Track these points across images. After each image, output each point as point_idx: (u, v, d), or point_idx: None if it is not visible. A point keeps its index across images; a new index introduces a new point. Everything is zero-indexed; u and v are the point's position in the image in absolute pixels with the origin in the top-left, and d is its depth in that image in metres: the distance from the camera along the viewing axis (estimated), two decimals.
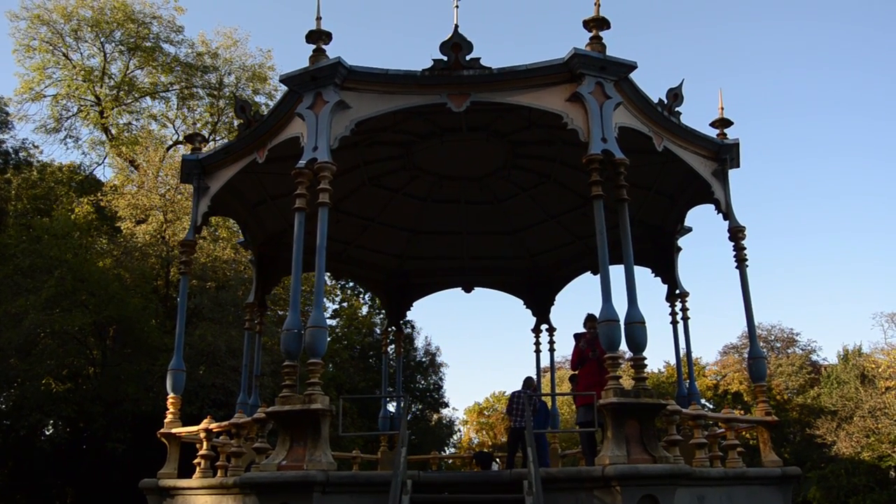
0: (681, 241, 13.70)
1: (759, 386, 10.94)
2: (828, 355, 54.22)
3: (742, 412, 32.13)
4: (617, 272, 8.96)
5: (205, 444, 10.70)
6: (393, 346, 16.98)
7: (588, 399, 10.48)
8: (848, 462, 39.19)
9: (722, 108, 11.74)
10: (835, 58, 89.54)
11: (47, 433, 24.79)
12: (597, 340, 10.47)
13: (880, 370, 39.65)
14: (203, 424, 10.68)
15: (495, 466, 14.79)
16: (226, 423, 10.44)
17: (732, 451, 10.23)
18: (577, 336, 11.67)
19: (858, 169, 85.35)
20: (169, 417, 11.01)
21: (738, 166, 11.49)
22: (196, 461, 10.72)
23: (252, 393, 12.79)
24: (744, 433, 12.97)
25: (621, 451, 8.06)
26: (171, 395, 11.04)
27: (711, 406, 44.62)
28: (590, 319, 11.35)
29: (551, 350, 16.29)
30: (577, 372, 11.70)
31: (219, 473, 10.34)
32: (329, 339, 27.41)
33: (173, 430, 10.91)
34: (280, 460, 8.19)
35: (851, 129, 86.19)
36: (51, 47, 31.61)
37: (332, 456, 8.34)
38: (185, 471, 11.13)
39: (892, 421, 36.88)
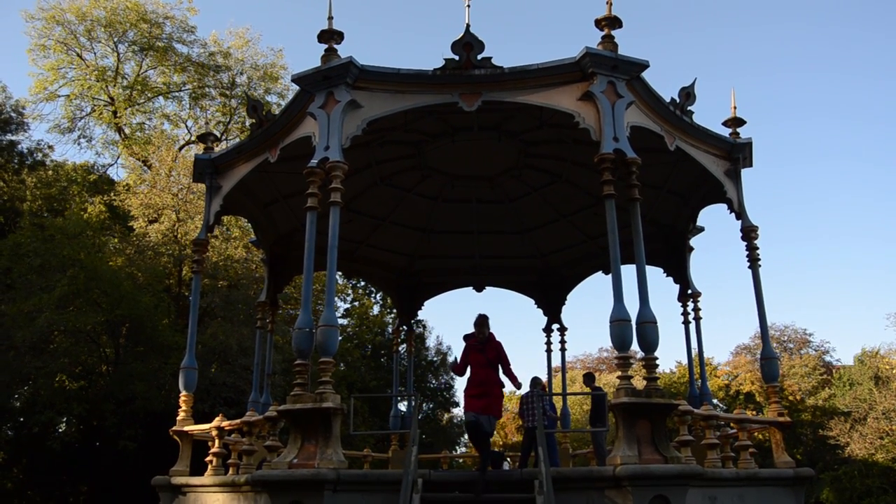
0: (693, 241, 13.66)
1: (772, 386, 10.90)
2: (841, 356, 53.90)
3: (754, 413, 31.93)
4: (629, 272, 8.94)
5: (217, 441, 10.75)
6: (404, 345, 17.01)
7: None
8: (861, 464, 38.89)
9: (734, 108, 11.69)
10: (853, 61, 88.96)
11: (60, 430, 24.96)
12: (486, 345, 9.81)
13: (894, 371, 39.36)
14: (215, 422, 10.74)
15: (506, 466, 14.77)
16: (238, 421, 10.49)
17: (744, 452, 10.19)
18: (467, 337, 10.20)
19: (872, 171, 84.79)
20: (181, 415, 11.07)
21: (750, 165, 11.46)
22: (208, 459, 10.78)
23: (264, 391, 12.84)
24: (756, 434, 12.92)
25: (632, 452, 8.04)
26: (183, 392, 11.10)
27: (723, 406, 44.41)
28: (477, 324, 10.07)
29: (562, 350, 16.28)
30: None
31: (230, 471, 10.40)
32: (340, 338, 27.52)
33: (185, 428, 10.96)
34: (291, 458, 8.22)
35: (866, 132, 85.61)
36: (65, 47, 31.85)
37: (343, 454, 8.37)
38: (197, 468, 11.18)
39: None
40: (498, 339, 10.07)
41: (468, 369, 9.92)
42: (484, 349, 9.82)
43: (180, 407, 11.14)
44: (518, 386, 10.12)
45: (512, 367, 10.04)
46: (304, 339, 8.63)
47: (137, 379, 22.14)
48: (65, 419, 24.17)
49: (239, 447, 10.33)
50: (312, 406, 8.25)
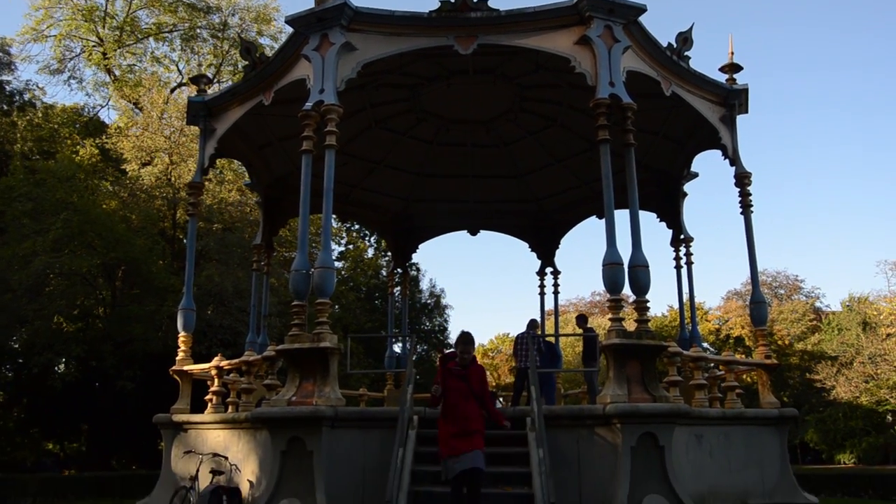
0: (687, 187, 13.71)
1: (760, 330, 11.12)
2: (831, 302, 54.52)
3: (743, 356, 32.32)
4: (622, 216, 9.03)
5: (216, 381, 10.97)
6: (398, 287, 17.16)
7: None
8: (846, 406, 39.83)
9: (732, 53, 11.63)
10: (850, 13, 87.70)
11: (59, 371, 25.27)
12: (469, 371, 7.52)
13: (882, 317, 39.97)
14: (214, 362, 10.93)
15: (499, 405, 15.11)
16: (237, 360, 10.69)
17: (731, 393, 10.45)
18: (444, 359, 7.88)
19: (865, 118, 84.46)
20: (180, 355, 11.24)
21: (746, 112, 11.45)
22: (207, 397, 11.01)
23: (261, 332, 13.03)
24: (744, 376, 13.21)
25: (622, 391, 8.26)
26: (182, 333, 11.26)
27: (714, 350, 45.13)
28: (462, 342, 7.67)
29: (555, 293, 16.48)
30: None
31: (230, 409, 10.63)
32: (335, 280, 27.48)
33: (185, 368, 11.15)
34: (290, 396, 8.42)
35: (859, 82, 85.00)
36: None
37: (340, 393, 8.56)
38: (196, 408, 11.41)
39: (892, 367, 37.37)
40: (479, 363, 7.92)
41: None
42: (467, 376, 7.51)
43: (179, 347, 11.31)
44: (505, 427, 7.77)
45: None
46: (301, 281, 8.76)
47: (135, 321, 22.35)
48: (63, 360, 24.45)
49: (238, 386, 10.54)
50: (310, 346, 8.42)
